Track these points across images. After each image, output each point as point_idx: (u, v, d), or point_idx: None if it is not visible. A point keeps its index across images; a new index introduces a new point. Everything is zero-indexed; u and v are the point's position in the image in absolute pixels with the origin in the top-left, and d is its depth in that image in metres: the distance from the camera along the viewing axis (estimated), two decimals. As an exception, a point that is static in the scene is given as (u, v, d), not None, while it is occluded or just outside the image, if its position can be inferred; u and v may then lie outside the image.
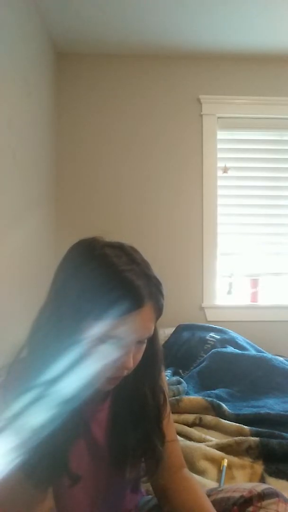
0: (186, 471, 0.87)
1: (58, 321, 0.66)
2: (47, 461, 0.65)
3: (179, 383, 1.80)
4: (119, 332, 0.65)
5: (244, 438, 1.35)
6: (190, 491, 0.82)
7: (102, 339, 0.65)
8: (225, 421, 1.50)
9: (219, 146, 2.69)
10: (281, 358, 2.02)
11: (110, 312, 0.63)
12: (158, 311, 0.71)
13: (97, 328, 0.64)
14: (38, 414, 0.62)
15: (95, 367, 0.65)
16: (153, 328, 0.71)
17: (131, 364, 0.69)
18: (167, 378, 1.88)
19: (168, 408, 0.85)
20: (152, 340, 0.75)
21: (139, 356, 0.72)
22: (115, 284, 0.64)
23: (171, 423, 0.88)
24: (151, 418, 0.79)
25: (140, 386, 0.78)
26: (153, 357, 0.78)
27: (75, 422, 0.68)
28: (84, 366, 0.64)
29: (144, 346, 0.72)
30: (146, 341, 0.72)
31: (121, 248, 0.70)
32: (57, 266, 0.72)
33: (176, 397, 1.64)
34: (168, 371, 2.01)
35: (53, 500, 0.72)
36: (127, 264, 0.67)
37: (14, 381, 0.66)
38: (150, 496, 0.95)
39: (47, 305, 0.70)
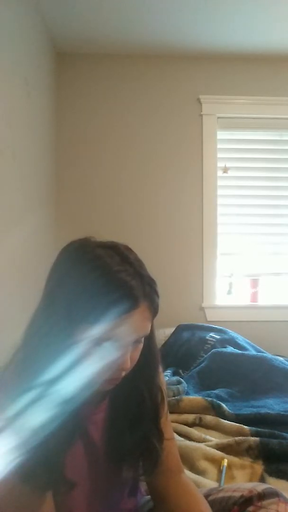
0: (184, 476, 0.86)
1: (51, 326, 0.65)
2: (43, 466, 0.64)
3: (179, 383, 1.80)
4: (115, 334, 0.64)
5: (244, 438, 1.35)
6: (188, 496, 0.81)
7: (98, 342, 0.64)
8: (225, 421, 1.50)
9: (219, 146, 2.69)
10: (281, 358, 2.02)
11: (105, 315, 0.63)
12: (154, 310, 0.70)
13: (92, 332, 0.63)
14: (35, 416, 0.61)
15: (92, 370, 0.64)
16: (149, 327, 0.70)
17: (129, 364, 0.68)
18: (167, 378, 1.88)
19: (166, 406, 0.84)
20: (149, 339, 0.74)
21: (137, 355, 0.72)
22: (109, 286, 0.63)
23: (169, 421, 0.87)
24: (149, 417, 0.78)
25: (138, 386, 0.77)
26: (150, 356, 0.77)
27: (71, 425, 0.67)
28: (81, 368, 0.63)
29: (141, 345, 0.72)
30: (143, 340, 0.72)
31: (113, 248, 0.69)
32: (50, 269, 0.71)
33: (176, 397, 1.64)
34: (168, 371, 2.01)
35: (53, 503, 0.71)
36: (119, 265, 0.66)
37: (10, 383, 0.66)
38: (150, 496, 0.95)
39: (40, 309, 0.69)
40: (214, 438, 1.43)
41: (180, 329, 2.34)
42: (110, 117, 2.64)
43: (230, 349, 2.10)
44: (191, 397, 1.65)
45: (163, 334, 2.33)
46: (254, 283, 2.68)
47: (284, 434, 1.37)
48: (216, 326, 2.36)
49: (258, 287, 2.67)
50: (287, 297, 2.70)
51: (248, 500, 0.80)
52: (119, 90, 2.64)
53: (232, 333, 2.29)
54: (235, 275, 2.68)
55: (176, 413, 1.58)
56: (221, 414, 1.55)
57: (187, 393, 1.75)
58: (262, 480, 1.20)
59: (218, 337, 2.23)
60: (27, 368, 0.66)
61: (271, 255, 2.72)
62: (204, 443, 1.36)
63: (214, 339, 2.21)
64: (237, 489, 0.84)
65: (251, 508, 0.79)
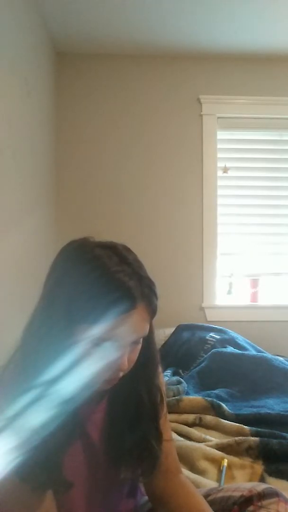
0: (182, 476, 0.86)
1: (50, 326, 0.65)
2: (42, 465, 0.64)
3: (179, 383, 1.80)
4: (112, 335, 0.64)
5: (244, 438, 1.35)
6: (188, 496, 0.81)
7: (95, 342, 0.64)
8: (225, 421, 1.50)
9: (219, 146, 2.69)
10: (281, 358, 2.02)
11: (103, 315, 0.63)
12: (152, 311, 0.69)
13: (90, 332, 0.63)
14: (35, 416, 0.61)
15: (90, 370, 0.64)
16: (147, 328, 0.70)
17: (126, 365, 0.68)
18: (167, 378, 1.88)
19: (165, 407, 0.84)
20: (148, 339, 0.74)
21: (135, 356, 0.71)
22: (107, 286, 0.63)
23: (167, 422, 0.87)
24: (147, 418, 0.78)
25: (137, 386, 0.77)
26: (149, 356, 0.77)
27: (71, 424, 0.67)
28: (78, 369, 0.63)
29: (139, 346, 0.72)
30: (141, 341, 0.71)
31: (112, 248, 0.68)
32: (49, 268, 0.71)
33: (176, 397, 1.64)
34: (168, 371, 2.01)
35: (54, 503, 0.71)
36: (118, 265, 0.65)
37: (9, 383, 0.66)
38: (149, 497, 0.95)
39: (40, 308, 0.69)
40: (214, 438, 1.43)
41: (180, 329, 2.34)
42: (110, 117, 2.64)
43: (230, 349, 2.10)
44: (191, 397, 1.65)
45: (163, 334, 2.33)
46: (254, 283, 2.68)
47: (284, 434, 1.37)
48: (216, 326, 2.36)
49: (258, 287, 2.67)
50: (287, 297, 2.70)
51: (248, 500, 0.79)
52: (119, 90, 2.64)
53: (232, 333, 2.29)
54: (235, 275, 2.68)
55: (176, 413, 1.57)
56: (221, 414, 1.55)
57: (187, 393, 1.75)
58: (262, 480, 1.20)
59: (218, 337, 2.23)
60: (26, 368, 0.66)
61: (271, 255, 2.72)
62: (204, 443, 1.36)
63: (214, 339, 2.21)
64: (237, 489, 0.83)
65: (251, 508, 0.78)
